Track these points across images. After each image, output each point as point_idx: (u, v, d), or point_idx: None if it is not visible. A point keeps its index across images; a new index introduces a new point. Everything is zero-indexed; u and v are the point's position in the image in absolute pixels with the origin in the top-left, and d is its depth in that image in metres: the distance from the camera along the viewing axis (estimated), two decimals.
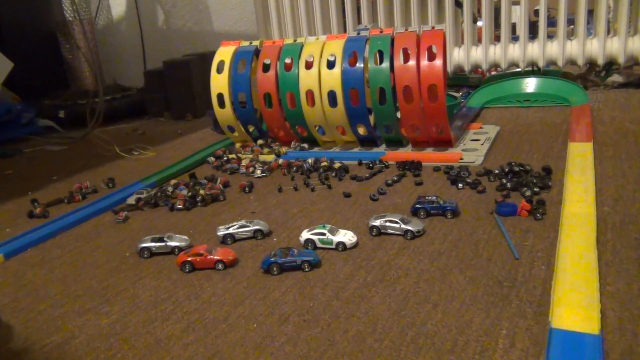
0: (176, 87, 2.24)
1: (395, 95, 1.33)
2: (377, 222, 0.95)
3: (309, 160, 1.36)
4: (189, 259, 0.88)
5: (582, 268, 0.75)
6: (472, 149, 1.37)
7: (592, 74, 2.05)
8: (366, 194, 1.15)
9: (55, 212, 1.24)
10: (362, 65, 1.37)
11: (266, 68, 1.50)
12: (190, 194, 1.21)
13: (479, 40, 2.04)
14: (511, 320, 0.67)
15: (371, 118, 1.43)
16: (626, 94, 1.86)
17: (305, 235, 0.93)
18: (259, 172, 1.36)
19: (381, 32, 1.40)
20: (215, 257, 0.88)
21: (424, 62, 1.30)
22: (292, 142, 1.55)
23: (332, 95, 1.40)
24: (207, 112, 2.04)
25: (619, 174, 1.11)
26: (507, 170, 1.16)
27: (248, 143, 1.61)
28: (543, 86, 1.83)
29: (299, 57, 1.45)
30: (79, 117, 2.17)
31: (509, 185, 1.09)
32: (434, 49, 1.30)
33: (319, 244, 0.92)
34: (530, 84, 1.85)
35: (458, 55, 2.04)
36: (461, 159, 1.30)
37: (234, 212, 1.13)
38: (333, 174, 1.30)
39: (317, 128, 1.49)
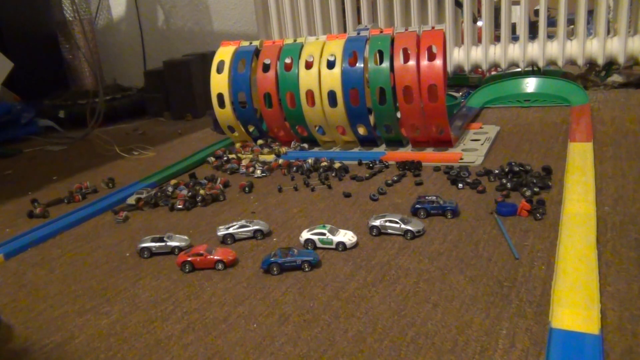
0: (176, 87, 2.24)
1: (395, 95, 1.33)
2: (377, 222, 0.95)
3: (309, 160, 1.36)
4: (189, 259, 0.88)
5: (582, 268, 0.75)
6: (472, 149, 1.37)
7: (592, 74, 2.05)
8: (366, 194, 1.15)
9: (55, 212, 1.24)
10: (362, 65, 1.37)
11: (266, 68, 1.50)
12: (190, 194, 1.21)
13: (479, 40, 2.04)
14: (511, 320, 0.67)
15: (371, 118, 1.43)
16: (626, 94, 1.86)
17: (305, 235, 0.93)
18: (259, 172, 1.36)
19: (381, 32, 1.40)
20: (215, 257, 0.88)
21: (424, 62, 1.30)
22: (292, 142, 1.55)
23: (332, 95, 1.40)
24: (207, 112, 2.04)
25: (619, 174, 1.11)
26: (507, 170, 1.16)
27: (248, 143, 1.61)
28: (543, 86, 1.83)
29: (299, 57, 1.45)
30: (79, 117, 2.17)
31: (509, 185, 1.09)
32: (434, 49, 1.30)
33: (319, 244, 0.92)
34: (530, 84, 1.85)
35: (458, 55, 2.04)
36: (461, 159, 1.30)
37: (234, 212, 1.13)
38: (333, 174, 1.30)
39: (317, 128, 1.49)
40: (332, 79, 1.38)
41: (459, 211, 1.01)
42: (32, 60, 2.39)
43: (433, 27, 1.35)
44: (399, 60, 1.32)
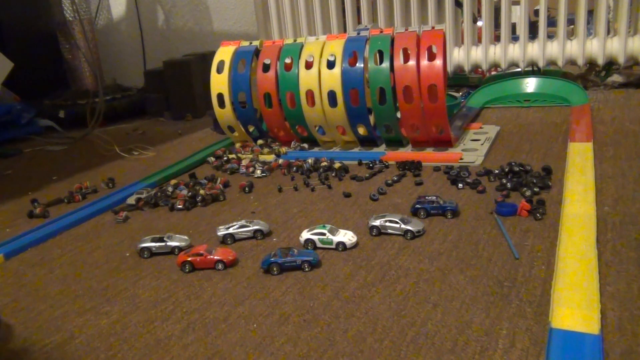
0: (176, 87, 2.24)
1: (395, 95, 1.33)
2: (377, 222, 0.95)
3: (309, 160, 1.36)
4: (189, 259, 0.88)
5: (582, 268, 0.75)
6: (472, 149, 1.37)
7: (592, 74, 2.05)
8: (366, 194, 1.15)
9: (55, 212, 1.24)
10: (362, 65, 1.37)
11: (266, 68, 1.50)
12: (190, 194, 1.21)
13: (479, 40, 2.04)
14: (511, 320, 0.67)
15: (371, 118, 1.43)
16: (626, 94, 1.86)
17: (305, 235, 0.93)
18: (259, 172, 1.36)
19: (381, 32, 1.40)
20: (215, 257, 0.88)
21: (424, 62, 1.30)
22: (292, 142, 1.55)
23: (332, 95, 1.40)
24: (207, 112, 2.04)
25: (619, 174, 1.11)
26: (507, 170, 1.16)
27: (248, 143, 1.61)
28: (543, 86, 1.83)
29: (299, 57, 1.45)
30: (79, 117, 2.17)
31: (509, 185, 1.09)
32: (434, 49, 1.30)
33: (319, 244, 0.92)
34: (530, 84, 1.85)
35: (458, 55, 2.04)
36: (461, 159, 1.30)
37: (234, 212, 1.13)
38: (333, 174, 1.30)
39: (317, 128, 1.49)
40: (332, 79, 1.39)
41: (459, 211, 1.01)
42: (32, 60, 2.39)
43: (433, 27, 1.35)
44: (399, 60, 1.32)
